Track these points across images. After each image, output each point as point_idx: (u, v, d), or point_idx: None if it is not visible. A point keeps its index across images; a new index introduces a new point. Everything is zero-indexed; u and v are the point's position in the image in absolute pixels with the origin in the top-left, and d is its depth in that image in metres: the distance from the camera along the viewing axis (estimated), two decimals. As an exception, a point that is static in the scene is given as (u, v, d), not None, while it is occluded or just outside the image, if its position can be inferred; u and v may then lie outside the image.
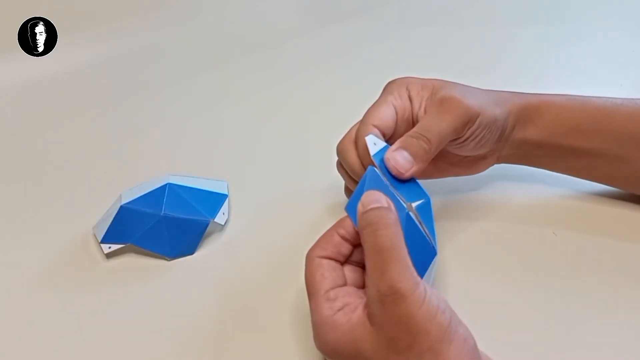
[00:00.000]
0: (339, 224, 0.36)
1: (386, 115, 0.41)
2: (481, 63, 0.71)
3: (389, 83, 0.43)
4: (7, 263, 0.47)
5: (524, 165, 0.47)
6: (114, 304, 0.43)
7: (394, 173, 0.37)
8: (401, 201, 0.36)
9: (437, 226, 0.37)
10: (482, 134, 0.41)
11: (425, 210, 0.37)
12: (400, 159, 0.37)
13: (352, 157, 0.41)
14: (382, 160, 0.38)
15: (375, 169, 0.37)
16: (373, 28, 0.82)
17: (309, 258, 0.35)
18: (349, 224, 0.36)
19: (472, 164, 0.46)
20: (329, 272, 0.34)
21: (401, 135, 0.42)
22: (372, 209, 0.34)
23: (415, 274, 0.32)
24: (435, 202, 0.44)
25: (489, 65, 0.71)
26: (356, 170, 0.41)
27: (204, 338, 0.40)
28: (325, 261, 0.35)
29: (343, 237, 0.36)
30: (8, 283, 0.45)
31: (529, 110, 0.44)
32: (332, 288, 0.34)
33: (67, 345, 0.40)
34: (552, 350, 0.38)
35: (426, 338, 0.30)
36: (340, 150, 0.42)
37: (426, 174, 0.45)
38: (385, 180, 0.37)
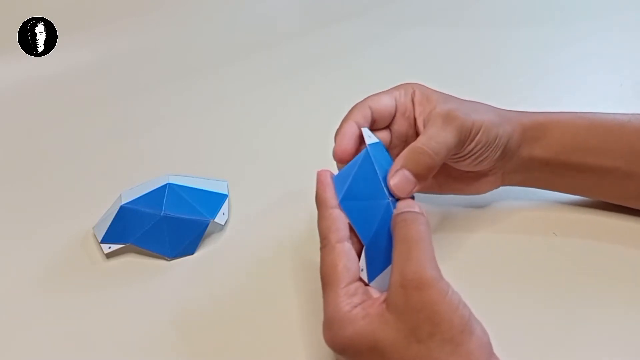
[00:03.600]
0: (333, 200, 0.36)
1: (384, 103, 0.41)
2: (481, 64, 0.71)
3: (400, 84, 0.43)
4: (7, 263, 0.47)
5: (532, 187, 0.47)
6: (114, 304, 0.43)
7: (395, 195, 0.37)
8: (385, 191, 0.37)
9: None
10: (479, 151, 0.41)
11: None
12: (402, 181, 0.37)
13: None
14: (374, 152, 0.38)
15: (370, 157, 0.37)
16: (373, 28, 0.82)
17: (329, 243, 0.34)
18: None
19: (473, 180, 0.45)
20: (351, 262, 0.34)
21: (400, 133, 0.42)
22: (407, 211, 0.34)
23: (439, 269, 0.32)
24: (436, 206, 0.44)
25: (489, 66, 0.71)
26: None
27: (204, 338, 0.40)
28: (348, 246, 0.34)
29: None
30: (8, 283, 0.45)
31: (536, 129, 0.44)
32: (353, 282, 0.33)
33: (67, 345, 0.40)
34: (554, 353, 0.38)
35: (449, 327, 0.30)
36: None
37: (426, 187, 0.44)
38: (376, 168, 0.37)
